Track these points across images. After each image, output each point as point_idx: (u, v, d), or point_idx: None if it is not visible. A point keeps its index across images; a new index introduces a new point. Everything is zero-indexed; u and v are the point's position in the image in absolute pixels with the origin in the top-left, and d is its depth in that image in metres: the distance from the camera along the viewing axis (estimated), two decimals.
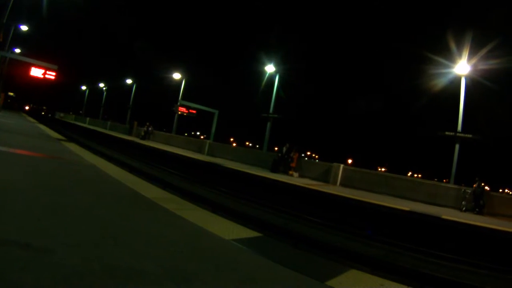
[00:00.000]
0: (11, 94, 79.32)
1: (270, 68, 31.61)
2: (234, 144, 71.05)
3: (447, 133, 20.85)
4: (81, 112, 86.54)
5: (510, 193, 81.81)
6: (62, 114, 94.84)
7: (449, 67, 21.54)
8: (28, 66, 34.48)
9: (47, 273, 2.94)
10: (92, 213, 5.09)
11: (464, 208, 15.57)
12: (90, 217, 4.87)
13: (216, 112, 37.97)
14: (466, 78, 20.87)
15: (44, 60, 35.15)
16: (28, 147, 11.94)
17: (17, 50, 43.82)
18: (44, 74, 34.44)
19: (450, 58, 21.51)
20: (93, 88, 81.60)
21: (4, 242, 3.43)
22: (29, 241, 3.54)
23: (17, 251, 3.27)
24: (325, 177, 19.93)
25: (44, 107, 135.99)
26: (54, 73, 34.89)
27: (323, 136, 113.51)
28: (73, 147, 15.51)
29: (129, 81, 59.61)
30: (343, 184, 19.09)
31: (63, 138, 21.55)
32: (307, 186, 16.24)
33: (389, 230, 11.88)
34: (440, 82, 23.27)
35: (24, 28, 38.25)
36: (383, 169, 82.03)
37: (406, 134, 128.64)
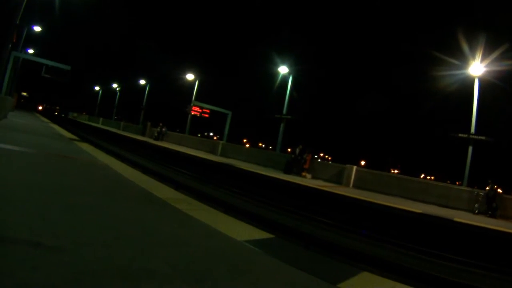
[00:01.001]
0: (24, 94, 79.77)
1: (283, 69, 31.55)
2: (247, 145, 71.07)
3: (460, 135, 20.70)
4: (95, 112, 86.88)
5: None
6: (75, 114, 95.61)
7: (462, 68, 21.43)
8: (41, 66, 35.04)
9: (58, 272, 2.96)
10: (105, 213, 5.13)
11: (476, 211, 15.50)
12: (103, 217, 4.91)
13: (230, 113, 38.02)
14: (480, 79, 20.73)
15: (57, 60, 35.51)
16: (40, 146, 12.03)
17: (31, 51, 44.09)
18: (58, 74, 34.82)
19: (464, 59, 21.40)
20: (107, 88, 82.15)
21: (16, 241, 3.45)
22: (40, 239, 3.55)
23: (28, 250, 3.29)
24: (338, 179, 19.92)
25: (57, 107, 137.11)
26: (67, 74, 35.21)
27: (335, 138, 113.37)
28: (86, 147, 15.56)
29: (142, 82, 59.86)
30: (356, 185, 19.07)
31: (76, 138, 21.67)
32: (319, 187, 16.23)
33: (401, 232, 11.80)
34: (453, 83, 23.15)
35: (37, 29, 38.52)
36: (395, 171, 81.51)
37: (419, 136, 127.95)
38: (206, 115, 39.68)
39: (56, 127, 30.00)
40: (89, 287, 2.84)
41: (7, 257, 3.07)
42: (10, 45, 26.10)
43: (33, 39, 43.17)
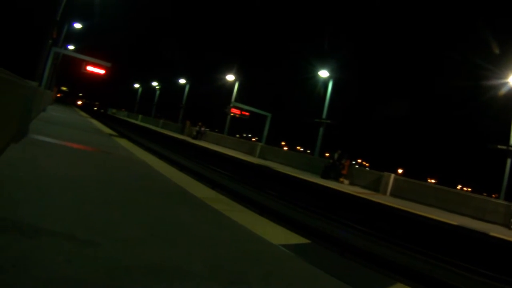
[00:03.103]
0: (64, 88, 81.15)
1: (323, 73, 31.24)
2: (285, 148, 70.99)
3: (499, 146, 20.22)
4: (134, 109, 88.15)
5: None
6: (114, 110, 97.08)
7: (506, 76, 20.92)
8: (81, 62, 35.29)
9: (91, 266, 2.99)
10: (141, 210, 5.17)
11: None
12: (139, 213, 4.95)
13: (269, 115, 37.92)
14: None
15: (98, 56, 36.03)
16: (79, 140, 12.14)
17: (71, 47, 44.86)
18: (96, 71, 35.45)
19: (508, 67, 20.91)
20: (147, 86, 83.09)
21: (51, 233, 3.47)
22: (75, 233, 3.60)
23: (62, 242, 3.32)
24: (375, 186, 19.76)
25: (97, 103, 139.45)
26: (104, 71, 35.73)
27: (374, 144, 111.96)
28: (124, 142, 15.71)
29: (182, 81, 60.53)
30: (393, 194, 18.89)
31: (114, 133, 22.11)
32: (356, 194, 16.20)
33: (436, 244, 11.73)
34: (497, 92, 22.60)
35: (77, 25, 39.23)
36: (432, 181, 79.98)
37: (458, 146, 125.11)
38: (246, 117, 39.76)
39: (95, 122, 30.64)
40: (121, 282, 2.85)
41: (42, 248, 3.10)
42: (50, 41, 26.77)
43: (74, 35, 44.03)
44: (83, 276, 2.79)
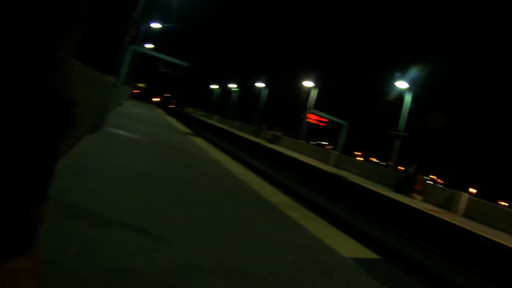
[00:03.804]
0: (142, 85, 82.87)
1: (402, 84, 30.50)
2: (359, 158, 70.12)
3: None
4: (210, 109, 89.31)
5: None
6: (190, 109, 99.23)
7: None
8: (159, 60, 36.26)
9: (158, 261, 3.04)
10: (214, 210, 5.24)
11: None
12: (211, 213, 5.01)
13: (346, 124, 37.51)
14: None
15: (178, 56, 36.94)
16: (155, 136, 12.66)
17: (150, 45, 46.02)
18: (176, 70, 36.34)
19: None
20: (224, 87, 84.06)
21: (121, 224, 3.58)
22: (146, 227, 3.68)
23: (132, 235, 3.40)
24: (447, 205, 19.30)
25: (173, 101, 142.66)
26: (185, 70, 36.38)
27: (449, 161, 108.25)
28: (199, 141, 16.34)
29: (260, 84, 61.01)
30: (465, 214, 18.47)
31: (190, 132, 23.14)
32: (427, 211, 16.05)
33: (507, 273, 11.27)
34: None
35: (156, 25, 40.42)
36: (505, 204, 76.00)
37: None
38: (322, 124, 39.64)
39: (171, 119, 31.41)
40: (186, 280, 2.88)
41: (110, 239, 3.19)
42: (129, 39, 28.00)
43: (153, 34, 45.54)
44: (148, 270, 2.85)
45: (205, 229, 4.22)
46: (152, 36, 46.61)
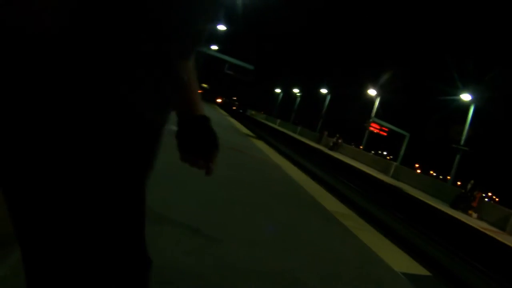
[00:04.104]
0: (205, 86, 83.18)
1: (465, 97, 29.95)
2: (418, 171, 69.05)
3: None
4: (272, 112, 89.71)
5: None
6: (253, 112, 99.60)
7: None
8: (224, 63, 36.92)
9: (208, 262, 3.04)
10: (270, 214, 5.22)
11: None
12: (267, 217, 5.03)
13: (407, 135, 37.15)
14: None
15: (243, 59, 37.61)
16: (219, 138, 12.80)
17: (215, 47, 46.02)
18: (240, 73, 37.23)
19: None
20: (287, 92, 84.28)
21: (176, 224, 3.61)
22: (201, 228, 3.68)
23: (184, 234, 3.42)
24: (502, 224, 18.81)
25: (236, 102, 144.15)
26: (250, 73, 37.30)
27: (506, 178, 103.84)
28: (260, 144, 16.18)
29: (323, 90, 61.16)
30: None
31: (251, 134, 22.84)
32: (482, 229, 15.86)
33: None
34: None
35: (222, 27, 40.49)
36: None
37: None
38: (384, 133, 39.32)
39: (233, 121, 31.60)
40: (234, 283, 2.89)
41: (163, 236, 3.22)
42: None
43: (219, 37, 45.85)
44: (197, 270, 2.87)
45: (260, 234, 4.24)
46: (217, 37, 47.43)
